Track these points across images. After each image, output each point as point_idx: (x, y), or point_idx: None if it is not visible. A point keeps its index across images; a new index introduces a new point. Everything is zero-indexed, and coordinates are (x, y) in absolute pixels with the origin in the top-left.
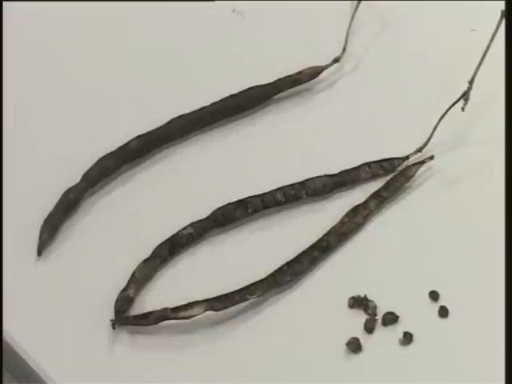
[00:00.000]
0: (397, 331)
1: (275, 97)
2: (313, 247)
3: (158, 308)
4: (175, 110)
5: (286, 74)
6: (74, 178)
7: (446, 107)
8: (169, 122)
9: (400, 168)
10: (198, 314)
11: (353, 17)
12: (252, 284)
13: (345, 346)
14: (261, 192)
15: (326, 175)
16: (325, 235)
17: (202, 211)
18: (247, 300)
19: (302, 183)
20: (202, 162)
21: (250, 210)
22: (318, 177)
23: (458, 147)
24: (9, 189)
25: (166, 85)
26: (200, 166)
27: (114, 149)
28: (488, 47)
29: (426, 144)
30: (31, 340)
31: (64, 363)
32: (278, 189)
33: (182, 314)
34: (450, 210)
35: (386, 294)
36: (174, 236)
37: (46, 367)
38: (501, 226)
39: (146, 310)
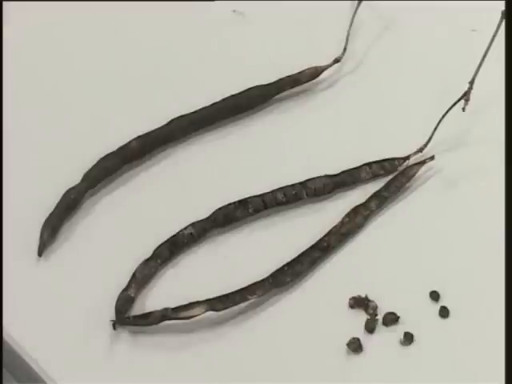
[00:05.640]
0: (397, 331)
1: (276, 97)
2: (313, 247)
3: (158, 308)
4: (176, 110)
5: (286, 74)
6: (74, 178)
7: (447, 107)
8: (169, 122)
9: (401, 168)
10: (198, 314)
11: (353, 17)
12: (253, 284)
13: (345, 346)
14: (261, 192)
15: (327, 175)
16: (325, 235)
17: (203, 211)
18: (248, 300)
19: (303, 183)
20: (202, 161)
21: (250, 210)
22: (318, 177)
23: (458, 147)
24: (9, 189)
25: (166, 85)
26: (201, 166)
27: (114, 149)
28: (488, 47)
29: (426, 144)
30: (31, 340)
31: (64, 363)
32: (279, 189)
33: (183, 314)
34: (450, 210)
35: (386, 294)
36: (174, 236)
37: (46, 367)
38: (501, 225)
39: (146, 310)
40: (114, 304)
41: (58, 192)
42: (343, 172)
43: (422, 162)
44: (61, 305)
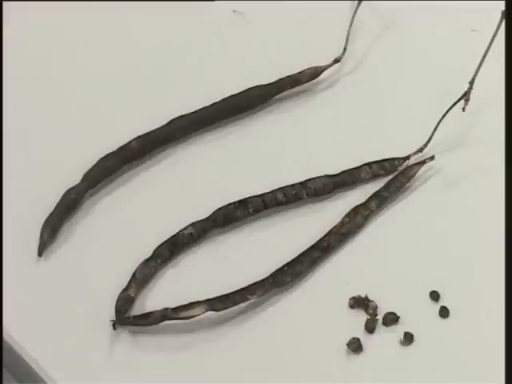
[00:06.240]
0: (397, 331)
1: (276, 97)
2: (313, 247)
3: (158, 308)
4: (175, 110)
5: (286, 74)
6: (74, 178)
7: (447, 107)
8: (169, 122)
9: (401, 168)
10: (198, 314)
11: (353, 17)
12: (253, 284)
13: (345, 346)
14: (261, 192)
15: (327, 175)
16: (325, 235)
17: (203, 211)
18: (248, 300)
19: (303, 183)
20: (202, 161)
21: (250, 210)
22: (318, 177)
23: (458, 147)
24: (9, 189)
25: (166, 85)
26: (200, 166)
27: (114, 149)
28: (488, 47)
29: (426, 144)
30: (31, 340)
31: (64, 363)
32: (279, 189)
33: (183, 314)
34: (450, 210)
35: (386, 294)
36: (174, 236)
37: (46, 367)
38: (501, 225)
39: (146, 310)
40: (114, 304)
41: (58, 192)
42: (343, 172)
43: (422, 162)
44: (61, 305)
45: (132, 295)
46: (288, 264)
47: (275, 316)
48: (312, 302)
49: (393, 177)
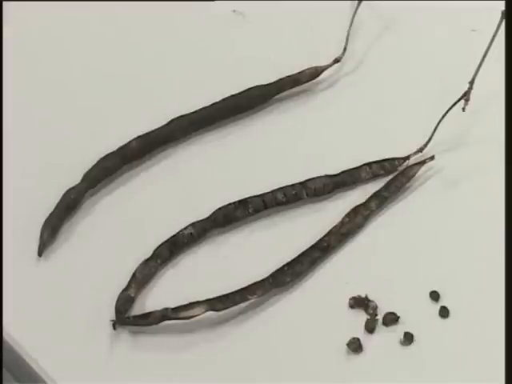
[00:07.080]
0: (397, 331)
1: (276, 97)
2: (313, 247)
3: (158, 308)
4: (175, 110)
5: (286, 74)
6: (74, 178)
7: (447, 107)
8: (169, 122)
9: (401, 168)
10: (198, 314)
11: (353, 17)
12: (253, 284)
13: (345, 346)
14: (261, 192)
15: (327, 175)
16: (325, 235)
17: (203, 211)
18: (248, 300)
19: (303, 183)
20: (202, 162)
21: (250, 210)
22: (318, 177)
23: (458, 147)
24: (9, 189)
25: (166, 85)
26: (200, 166)
27: (114, 149)
28: (488, 47)
29: (426, 144)
30: (31, 340)
31: (64, 363)
32: (279, 189)
33: (183, 314)
34: (450, 210)
35: (386, 294)
36: (174, 236)
37: (46, 367)
38: (501, 225)
39: (146, 310)
40: (114, 304)
41: (58, 192)
42: (343, 172)
43: (422, 162)
44: (61, 305)
45: (132, 295)
46: (288, 264)
47: (275, 316)
48: (312, 302)
49: (393, 177)
